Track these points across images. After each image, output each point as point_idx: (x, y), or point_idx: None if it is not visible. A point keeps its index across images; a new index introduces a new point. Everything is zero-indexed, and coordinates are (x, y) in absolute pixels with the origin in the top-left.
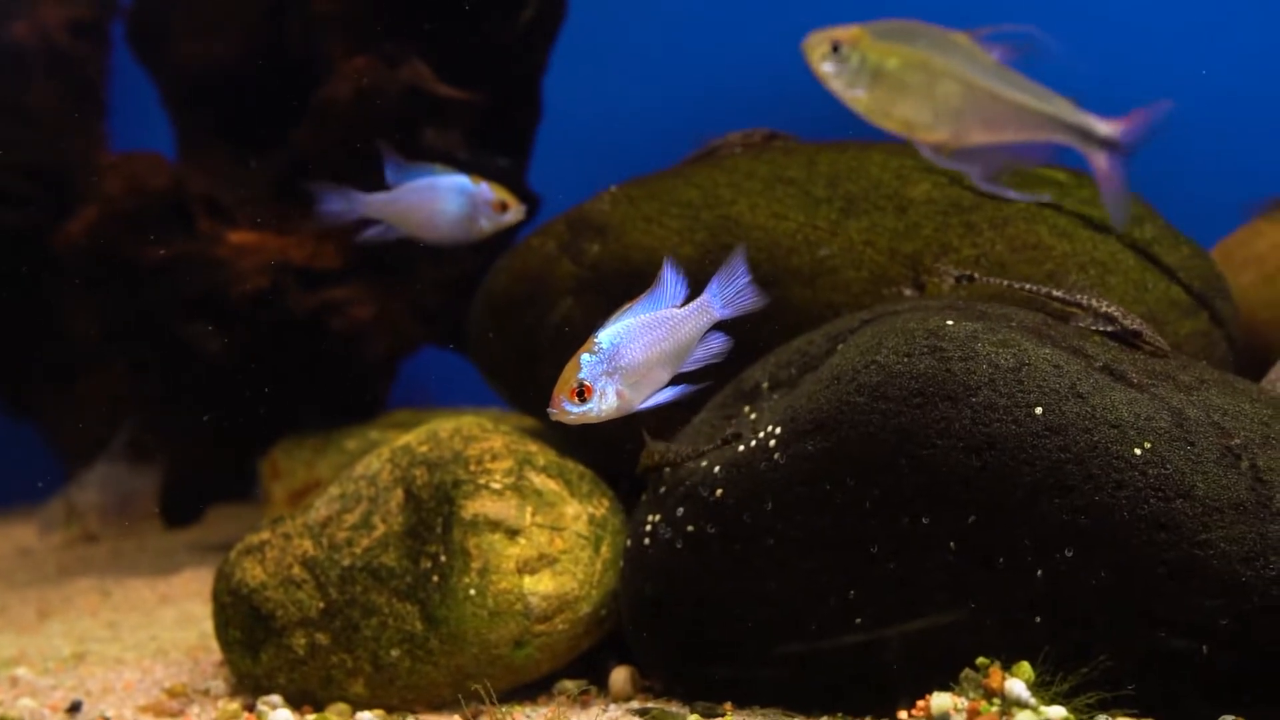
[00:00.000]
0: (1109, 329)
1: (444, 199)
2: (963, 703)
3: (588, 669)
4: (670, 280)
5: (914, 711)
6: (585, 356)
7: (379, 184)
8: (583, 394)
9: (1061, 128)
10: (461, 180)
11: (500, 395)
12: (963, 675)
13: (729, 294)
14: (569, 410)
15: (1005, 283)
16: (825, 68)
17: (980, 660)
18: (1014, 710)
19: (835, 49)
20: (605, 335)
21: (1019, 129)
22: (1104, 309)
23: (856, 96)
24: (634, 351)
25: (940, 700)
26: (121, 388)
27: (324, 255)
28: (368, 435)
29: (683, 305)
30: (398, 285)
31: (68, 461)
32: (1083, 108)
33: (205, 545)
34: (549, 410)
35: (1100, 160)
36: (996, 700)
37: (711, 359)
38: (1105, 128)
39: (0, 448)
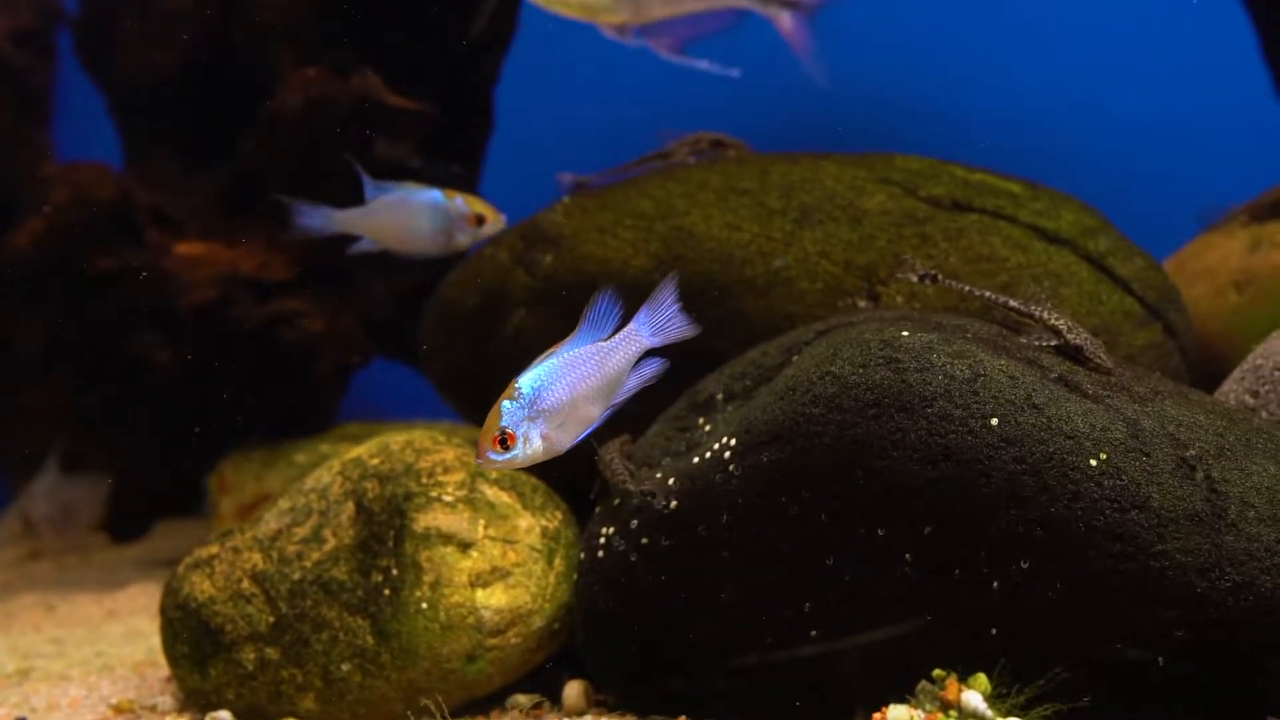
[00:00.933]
0: (1054, 343)
1: (417, 214)
2: (919, 715)
3: (540, 684)
4: (603, 310)
5: None
6: (506, 403)
7: (333, 194)
8: (505, 442)
9: None
10: (434, 195)
11: (452, 407)
12: (919, 688)
13: (658, 322)
14: (493, 459)
15: (965, 288)
16: None
17: (936, 672)
18: None
19: None
20: (525, 380)
21: None
22: (1052, 321)
23: None
24: (557, 393)
25: (897, 712)
26: (65, 400)
27: (273, 267)
28: (318, 448)
29: (611, 335)
30: (348, 297)
31: (8, 475)
32: None
33: (152, 560)
34: (475, 460)
35: (784, 20)
36: (953, 712)
37: (646, 384)
38: None
39: None
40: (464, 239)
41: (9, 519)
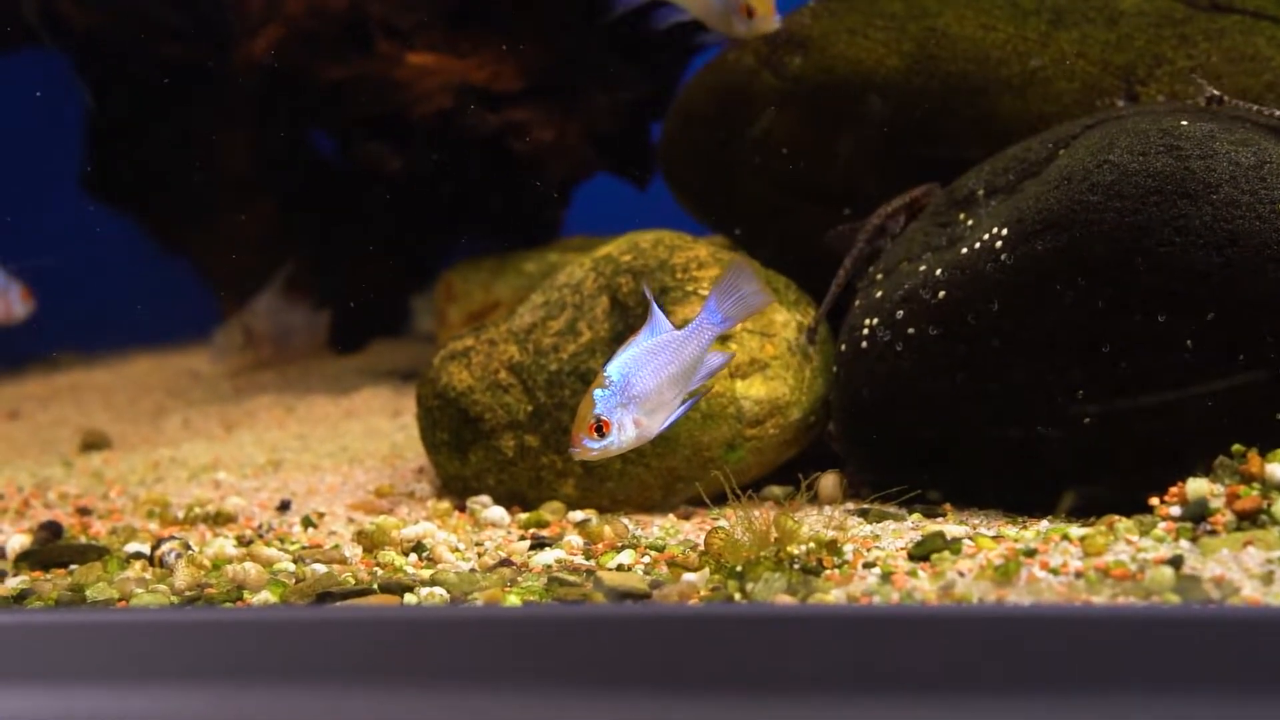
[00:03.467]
0: None
1: None
2: (1219, 488)
3: (792, 480)
4: (657, 309)
5: (1166, 498)
6: (598, 392)
7: None
8: (601, 429)
9: None
10: None
11: (692, 213)
12: (1217, 462)
13: (727, 307)
14: (590, 448)
15: (1254, 107)
16: None
17: (1236, 447)
18: (1274, 494)
19: None
20: (613, 368)
21: None
22: None
23: None
24: (644, 379)
25: (1196, 485)
26: (279, 221)
27: (503, 77)
28: (546, 258)
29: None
30: (575, 109)
31: (223, 296)
32: None
33: (373, 370)
34: (570, 450)
35: None
36: (1256, 485)
37: (714, 373)
38: None
39: (149, 284)
40: (741, 28)
41: (231, 330)
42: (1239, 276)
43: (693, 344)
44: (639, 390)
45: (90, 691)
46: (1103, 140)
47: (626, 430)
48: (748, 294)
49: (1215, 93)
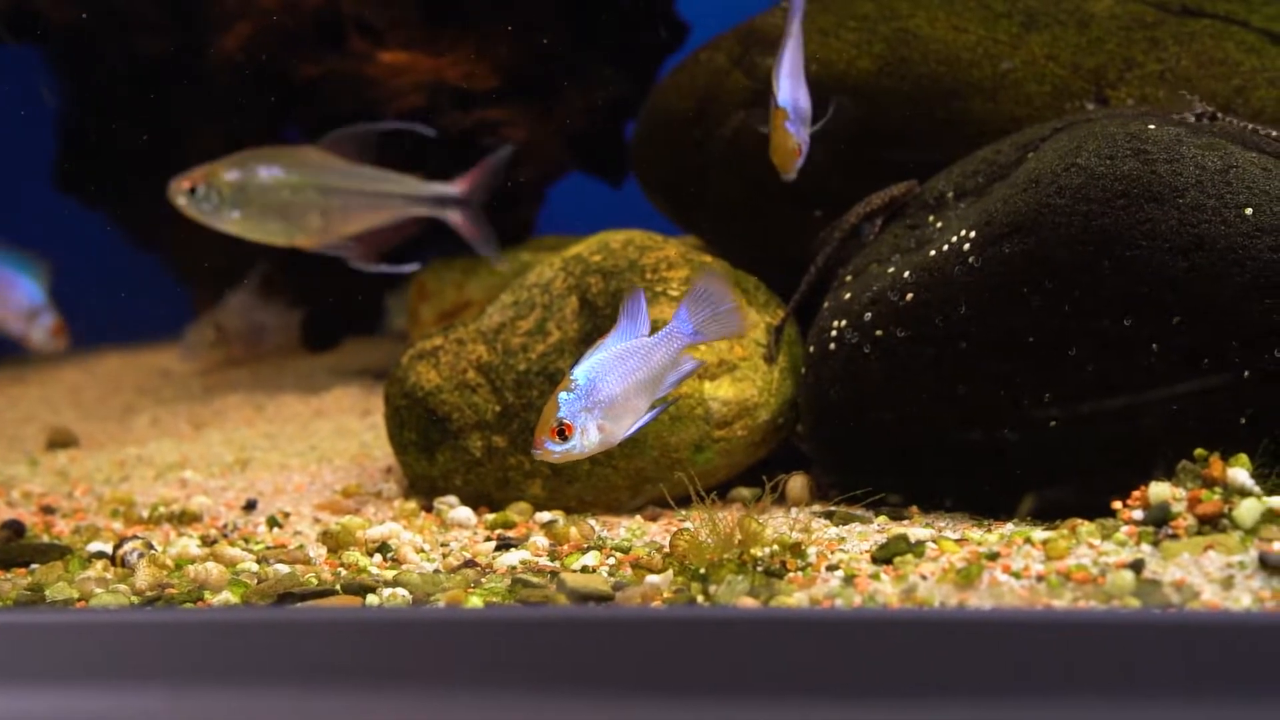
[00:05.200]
0: None
1: None
2: (1181, 492)
3: (757, 483)
4: (637, 310)
5: (1129, 501)
6: (563, 395)
7: None
8: (563, 432)
9: (415, 201)
10: None
11: (665, 213)
12: (1179, 467)
13: (699, 318)
14: (552, 450)
15: (1246, 125)
16: (189, 207)
17: (1198, 451)
18: (1235, 499)
19: (193, 190)
20: (580, 371)
21: (382, 212)
22: None
23: (227, 223)
24: (610, 385)
25: (1158, 489)
26: None
27: (477, 76)
28: (519, 257)
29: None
30: (549, 108)
31: (195, 294)
32: (429, 181)
33: (345, 370)
34: (532, 451)
35: (454, 216)
36: (1218, 489)
37: (685, 379)
38: (450, 189)
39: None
40: None
41: (203, 327)
42: (1204, 280)
43: (661, 351)
44: (604, 395)
45: (44, 693)
46: (1070, 143)
47: (589, 435)
48: (722, 311)
49: (1208, 108)
